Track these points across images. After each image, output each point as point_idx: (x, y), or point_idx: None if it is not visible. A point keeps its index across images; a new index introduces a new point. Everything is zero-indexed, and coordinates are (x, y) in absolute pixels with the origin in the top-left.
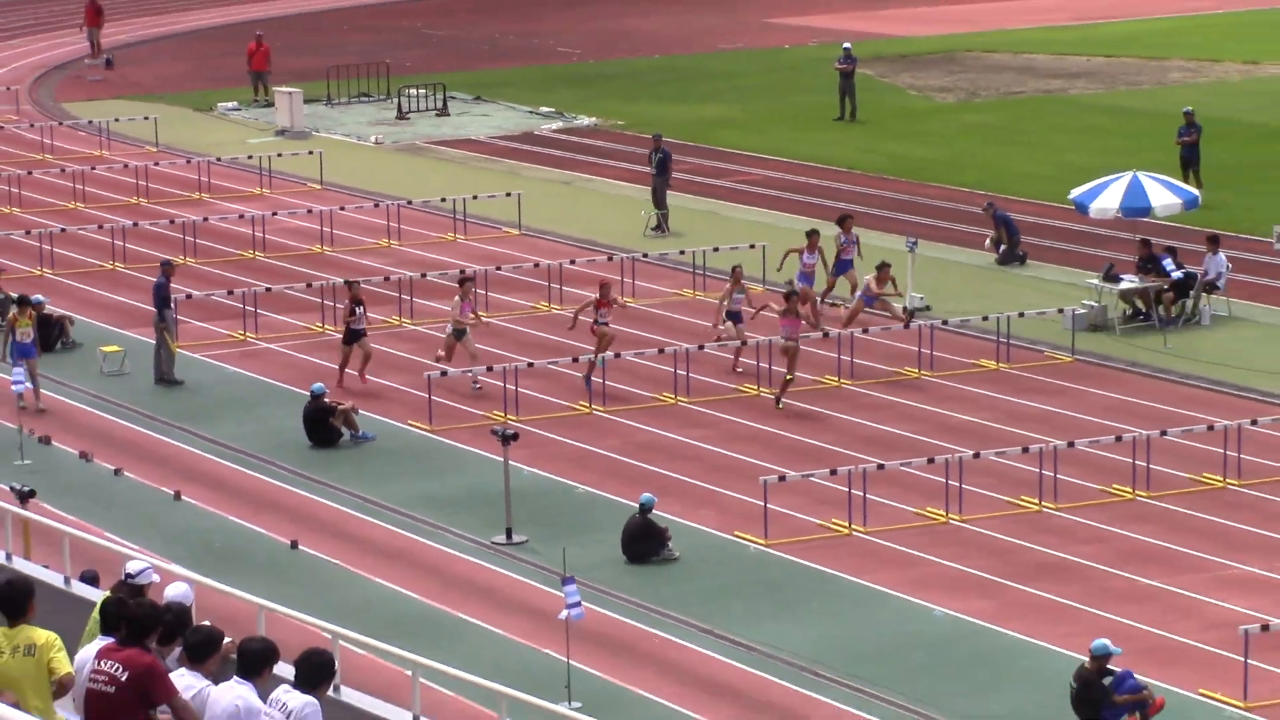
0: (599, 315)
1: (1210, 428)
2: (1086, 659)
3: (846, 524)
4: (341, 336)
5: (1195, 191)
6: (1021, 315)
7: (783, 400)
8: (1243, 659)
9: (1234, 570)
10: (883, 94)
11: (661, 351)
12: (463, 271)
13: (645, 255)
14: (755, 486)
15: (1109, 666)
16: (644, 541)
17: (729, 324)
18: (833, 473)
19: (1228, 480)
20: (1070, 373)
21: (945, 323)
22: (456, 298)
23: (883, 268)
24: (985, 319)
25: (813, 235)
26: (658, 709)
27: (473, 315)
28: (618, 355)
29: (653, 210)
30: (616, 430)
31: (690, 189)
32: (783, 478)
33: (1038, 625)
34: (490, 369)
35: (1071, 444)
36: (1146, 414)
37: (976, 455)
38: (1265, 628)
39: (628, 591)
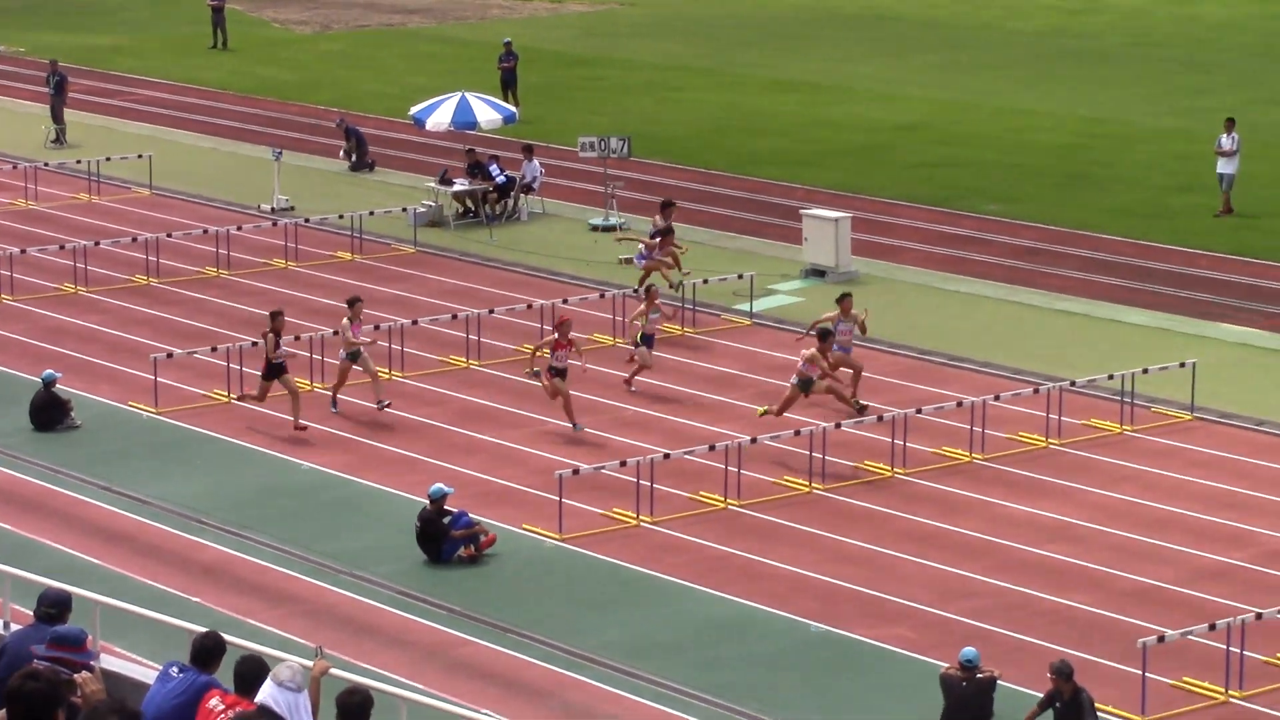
0: (555, 357)
1: (529, 306)
2: (428, 502)
3: (227, 394)
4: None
5: (513, 109)
6: (371, 214)
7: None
8: (558, 498)
9: (550, 425)
10: (250, 26)
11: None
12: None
13: (46, 164)
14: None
15: (447, 507)
16: (48, 411)
17: (642, 348)
18: (213, 350)
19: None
20: (414, 262)
21: (307, 220)
22: (345, 320)
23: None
24: (341, 217)
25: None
26: (63, 556)
27: (366, 337)
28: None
29: (52, 125)
30: (25, 316)
31: (85, 107)
32: (170, 355)
33: (389, 475)
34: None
35: (415, 321)
36: (478, 295)
37: (335, 333)
38: (576, 471)
39: (34, 456)
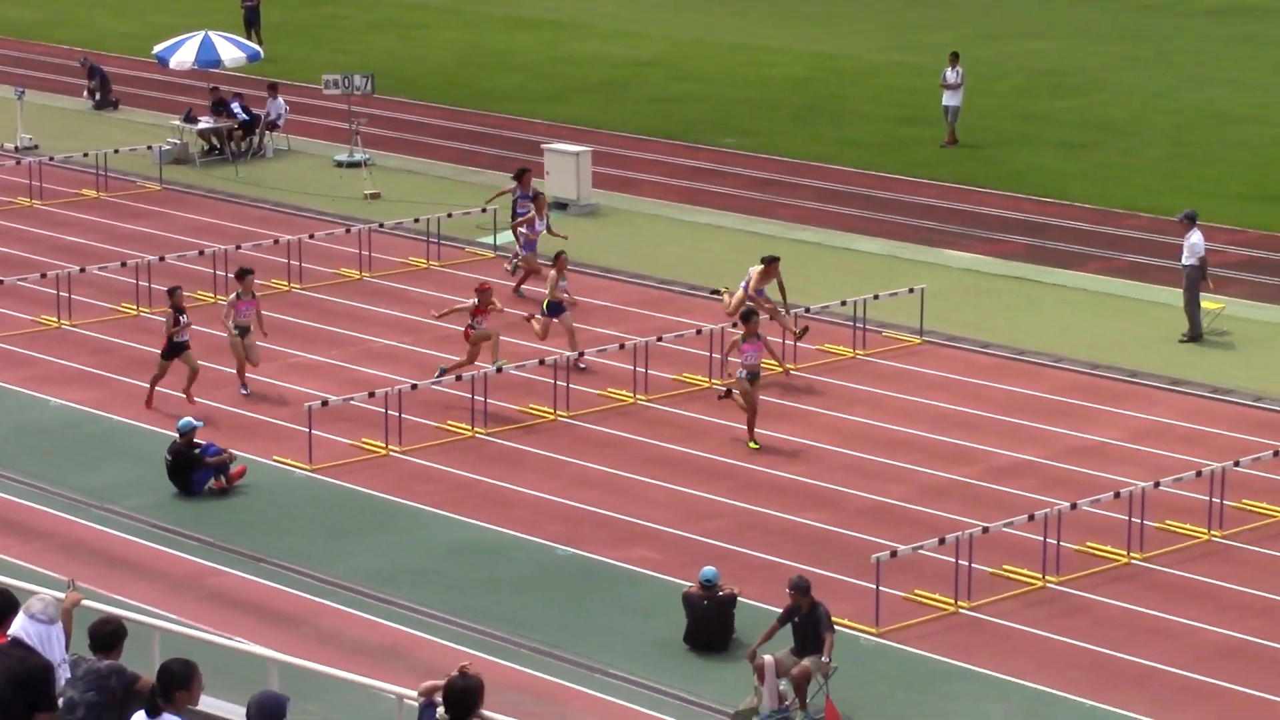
0: (475, 321)
1: (275, 241)
2: (177, 435)
3: None
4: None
5: (257, 47)
6: (117, 151)
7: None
8: (307, 430)
9: (298, 359)
10: None
11: None
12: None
13: None
14: None
15: (196, 440)
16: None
17: (542, 317)
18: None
19: (291, 285)
20: (160, 199)
21: (52, 159)
22: (234, 294)
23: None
24: (85, 155)
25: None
26: None
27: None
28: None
29: None
30: None
31: None
32: None
33: (138, 411)
34: None
35: (162, 258)
36: (225, 232)
37: (124, 264)
38: (325, 403)
39: None
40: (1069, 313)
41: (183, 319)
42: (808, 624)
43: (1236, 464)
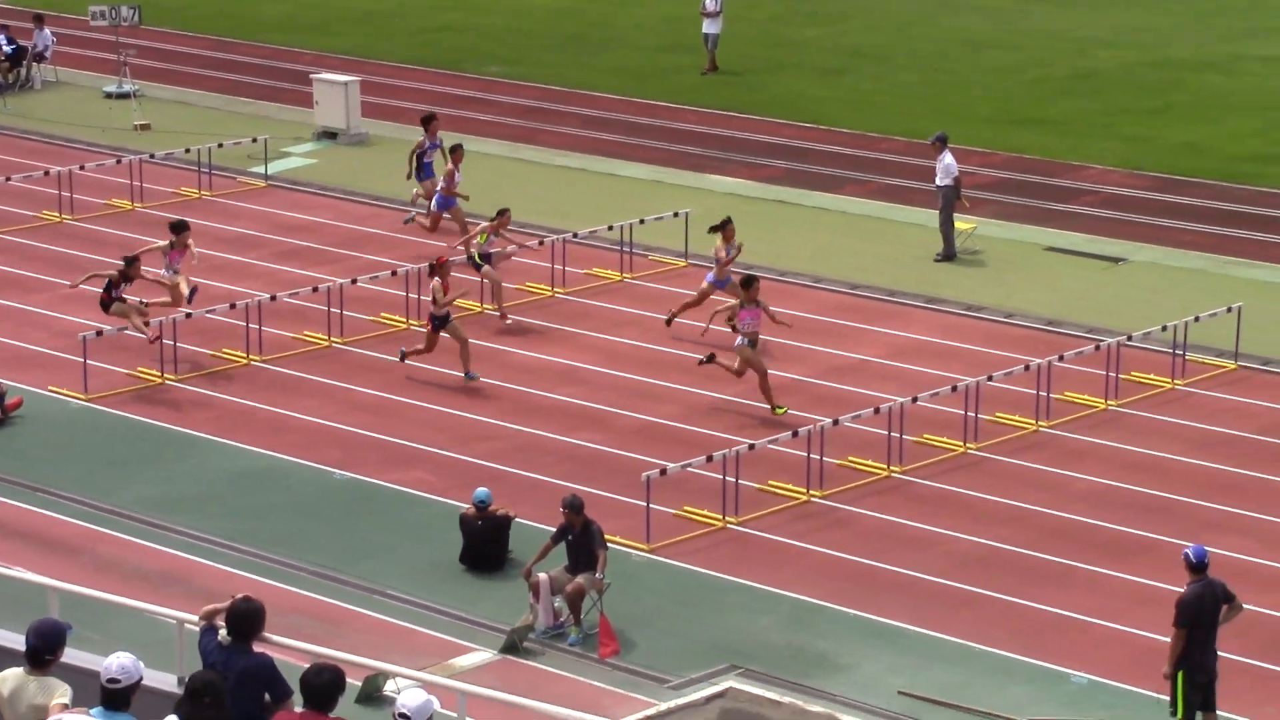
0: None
1: (45, 173)
2: None
3: None
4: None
5: None
6: None
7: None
8: (83, 360)
9: (74, 290)
10: None
11: None
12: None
13: None
14: None
15: None
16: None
17: (486, 267)
18: None
19: (63, 216)
20: None
21: None
22: (165, 243)
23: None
24: None
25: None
26: None
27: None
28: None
29: None
30: None
31: None
32: None
33: None
34: None
35: None
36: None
37: None
38: (99, 334)
39: None
40: (828, 234)
41: (124, 287)
42: (581, 542)
43: (989, 379)
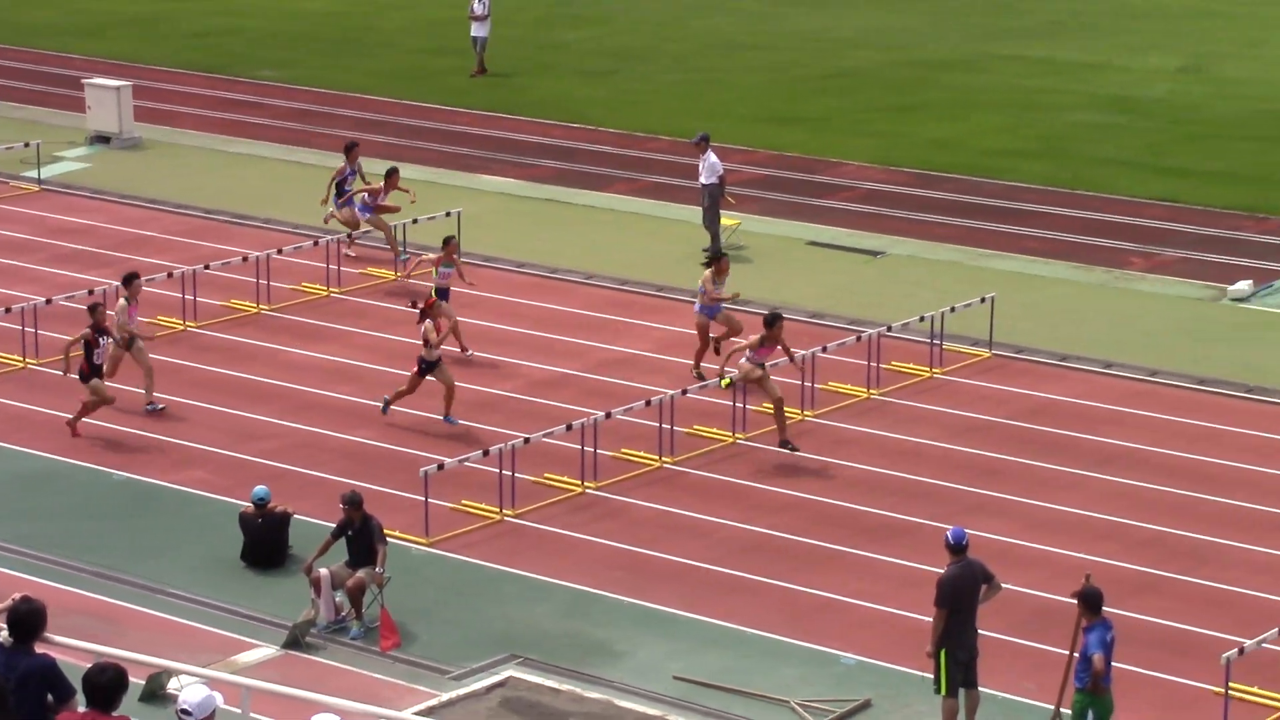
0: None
1: None
2: None
3: None
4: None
5: None
6: None
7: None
8: None
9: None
10: None
11: None
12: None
13: None
14: None
15: None
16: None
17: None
18: None
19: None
20: None
21: None
22: (122, 300)
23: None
24: None
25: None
26: None
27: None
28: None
29: None
30: None
31: None
32: None
33: None
34: None
35: None
36: None
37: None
38: None
39: None
40: (598, 232)
41: (103, 341)
42: (361, 537)
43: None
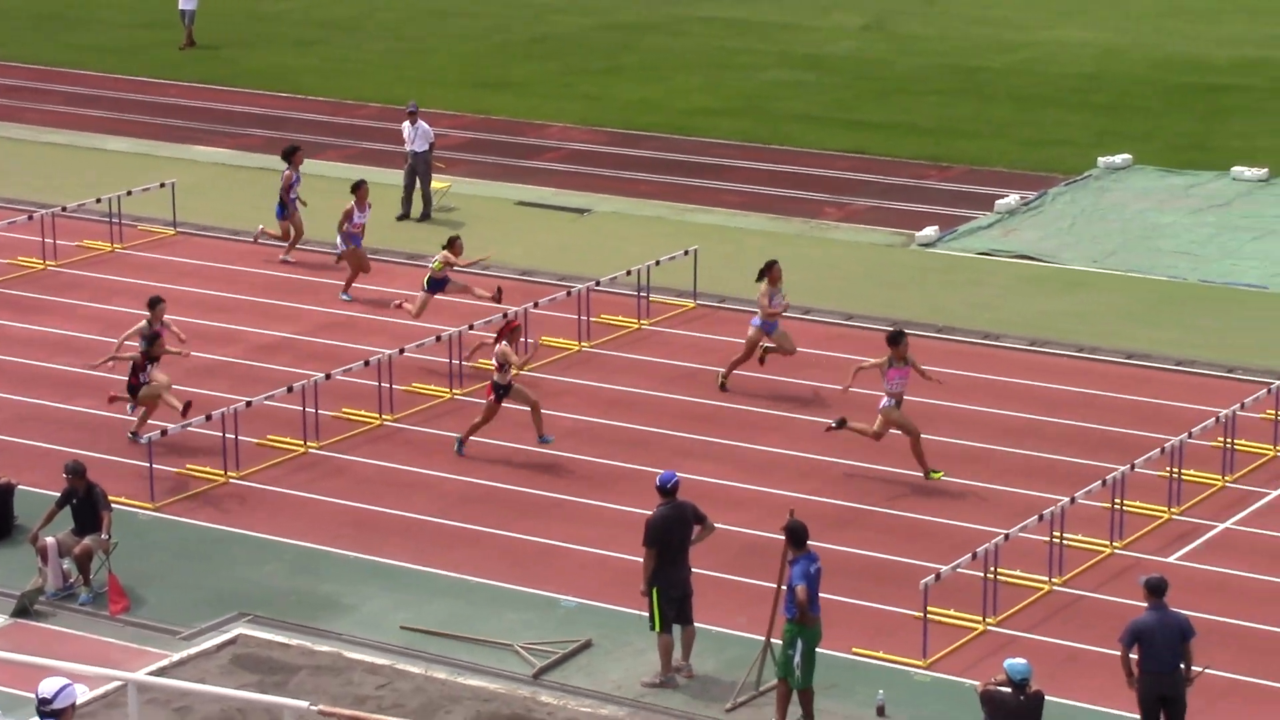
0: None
1: None
2: None
3: None
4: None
5: None
6: None
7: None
8: None
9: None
10: None
11: None
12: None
13: None
14: None
15: None
16: None
17: (423, 294)
18: None
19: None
20: None
21: None
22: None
23: None
24: None
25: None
26: None
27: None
28: None
29: None
30: None
31: None
32: None
33: None
34: None
35: None
36: None
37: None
38: None
39: None
40: (309, 198)
41: (150, 368)
42: (86, 504)
43: (470, 328)
